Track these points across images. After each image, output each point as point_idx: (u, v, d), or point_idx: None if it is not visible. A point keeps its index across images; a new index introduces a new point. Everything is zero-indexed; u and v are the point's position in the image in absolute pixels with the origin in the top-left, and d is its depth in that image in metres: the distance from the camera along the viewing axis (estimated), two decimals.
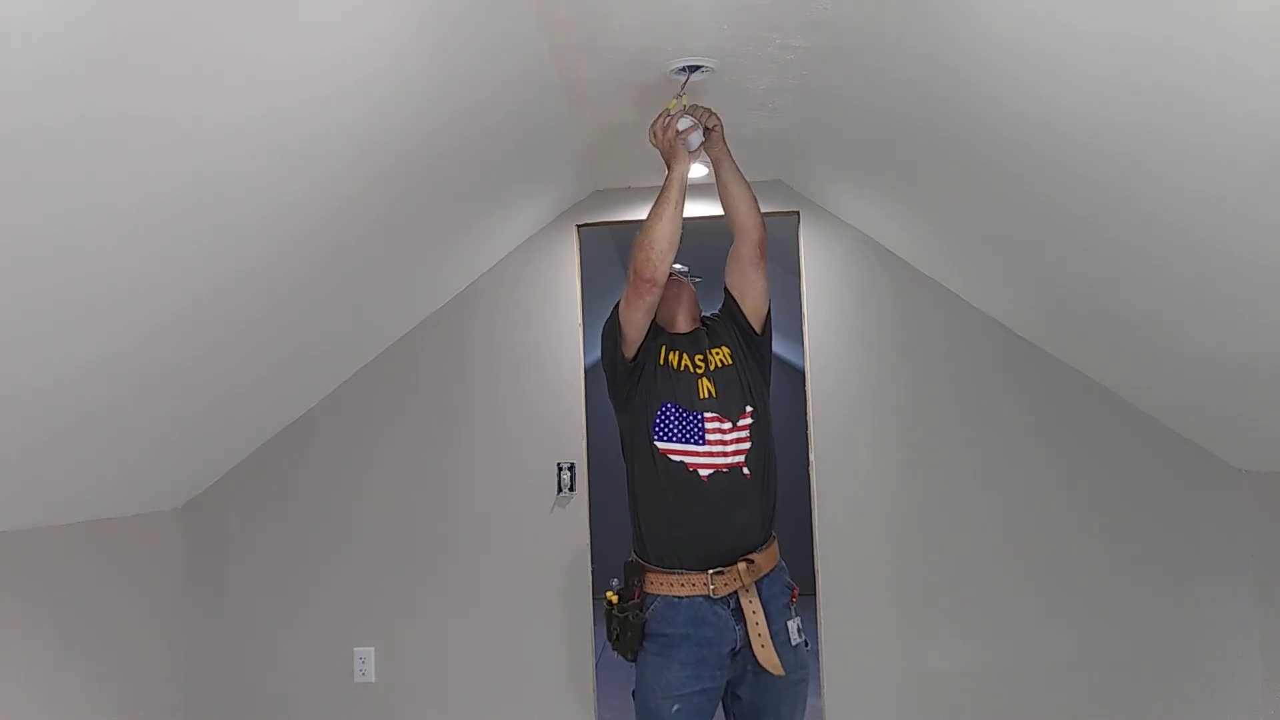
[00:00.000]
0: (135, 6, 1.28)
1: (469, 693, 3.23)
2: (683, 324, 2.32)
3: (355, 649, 3.25)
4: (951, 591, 3.16)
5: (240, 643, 3.27)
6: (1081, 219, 2.21)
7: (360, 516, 3.29)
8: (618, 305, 2.22)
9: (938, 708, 3.14)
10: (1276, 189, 1.65)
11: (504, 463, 3.29)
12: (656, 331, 2.28)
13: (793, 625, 2.13)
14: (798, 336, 3.38)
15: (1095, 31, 1.55)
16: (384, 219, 2.44)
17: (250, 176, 1.84)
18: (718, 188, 2.31)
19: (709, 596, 2.08)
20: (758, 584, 2.11)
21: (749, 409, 2.19)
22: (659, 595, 2.11)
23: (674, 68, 2.25)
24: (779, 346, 3.15)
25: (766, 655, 2.06)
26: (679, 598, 2.09)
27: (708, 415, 2.16)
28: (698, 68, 2.24)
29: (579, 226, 3.35)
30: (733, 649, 2.09)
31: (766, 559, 2.14)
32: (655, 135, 2.26)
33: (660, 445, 2.15)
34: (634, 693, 2.14)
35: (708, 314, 2.40)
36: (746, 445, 2.15)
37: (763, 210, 2.31)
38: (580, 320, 3.32)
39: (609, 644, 2.19)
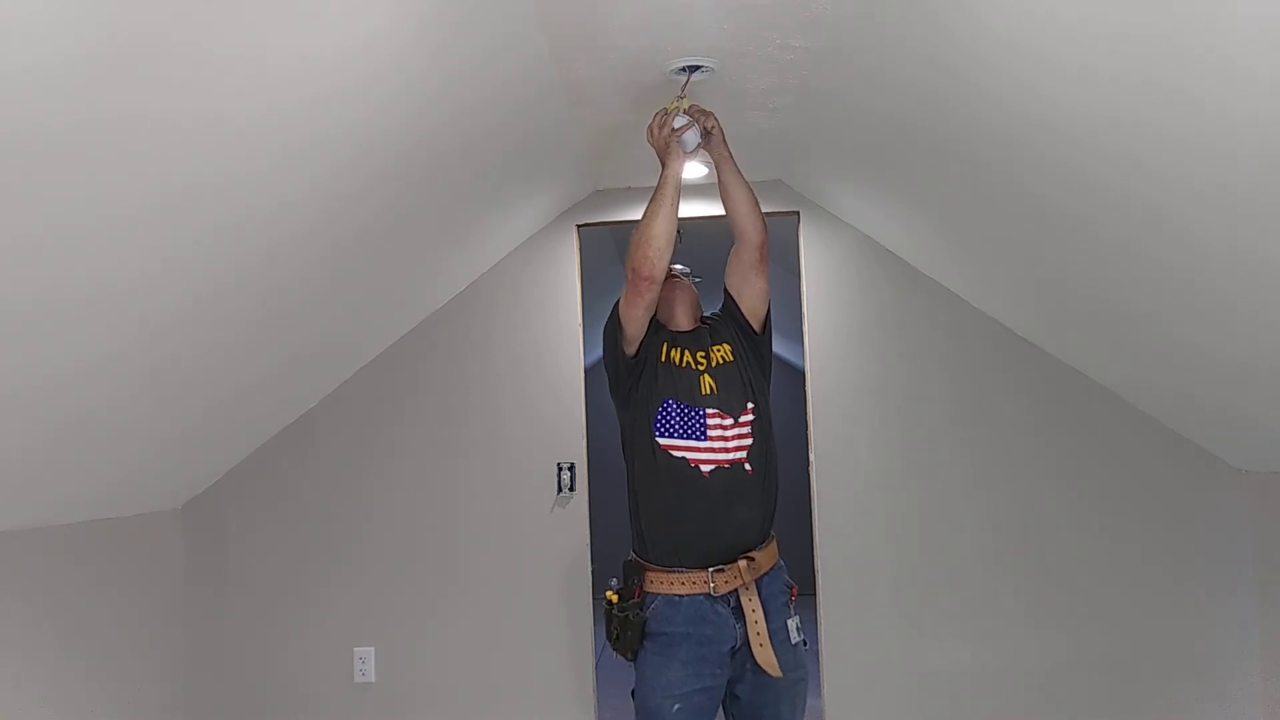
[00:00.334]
0: (135, 6, 1.28)
1: (469, 693, 3.23)
2: (683, 323, 2.33)
3: (355, 649, 3.25)
4: (951, 591, 3.16)
5: (240, 643, 3.27)
6: (1081, 218, 2.21)
7: (360, 516, 3.29)
8: (618, 303, 2.23)
9: (938, 708, 3.14)
10: (1276, 188, 1.65)
11: (504, 463, 3.29)
12: (658, 328, 2.28)
13: (792, 624, 2.13)
14: (798, 336, 3.38)
15: (1095, 31, 1.55)
16: (384, 219, 2.44)
17: (250, 176, 1.84)
18: (719, 190, 2.31)
19: (709, 594, 2.08)
20: (757, 582, 2.11)
21: (750, 405, 2.20)
22: (659, 594, 2.11)
23: (674, 68, 2.25)
24: (779, 346, 3.15)
25: (764, 655, 2.06)
26: (679, 596, 2.09)
27: (709, 411, 2.16)
28: (698, 68, 2.24)
29: (579, 226, 3.35)
30: (732, 647, 2.09)
31: (766, 557, 2.14)
32: (651, 133, 2.27)
33: (662, 441, 2.15)
34: (633, 692, 2.14)
35: (708, 313, 2.40)
36: (748, 441, 2.15)
37: (763, 210, 2.31)
38: (580, 320, 3.32)
39: (609, 644, 2.18)
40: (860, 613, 3.19)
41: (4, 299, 1.65)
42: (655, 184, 2.22)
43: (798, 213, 3.31)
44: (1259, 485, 3.02)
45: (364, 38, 1.69)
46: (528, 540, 3.26)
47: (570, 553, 3.27)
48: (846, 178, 3.01)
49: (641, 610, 2.12)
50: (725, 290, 2.34)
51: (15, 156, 1.38)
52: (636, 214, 2.25)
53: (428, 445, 3.31)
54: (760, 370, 2.29)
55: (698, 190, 3.16)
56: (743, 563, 2.09)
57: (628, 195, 3.31)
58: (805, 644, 2.17)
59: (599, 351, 2.41)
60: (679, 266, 2.48)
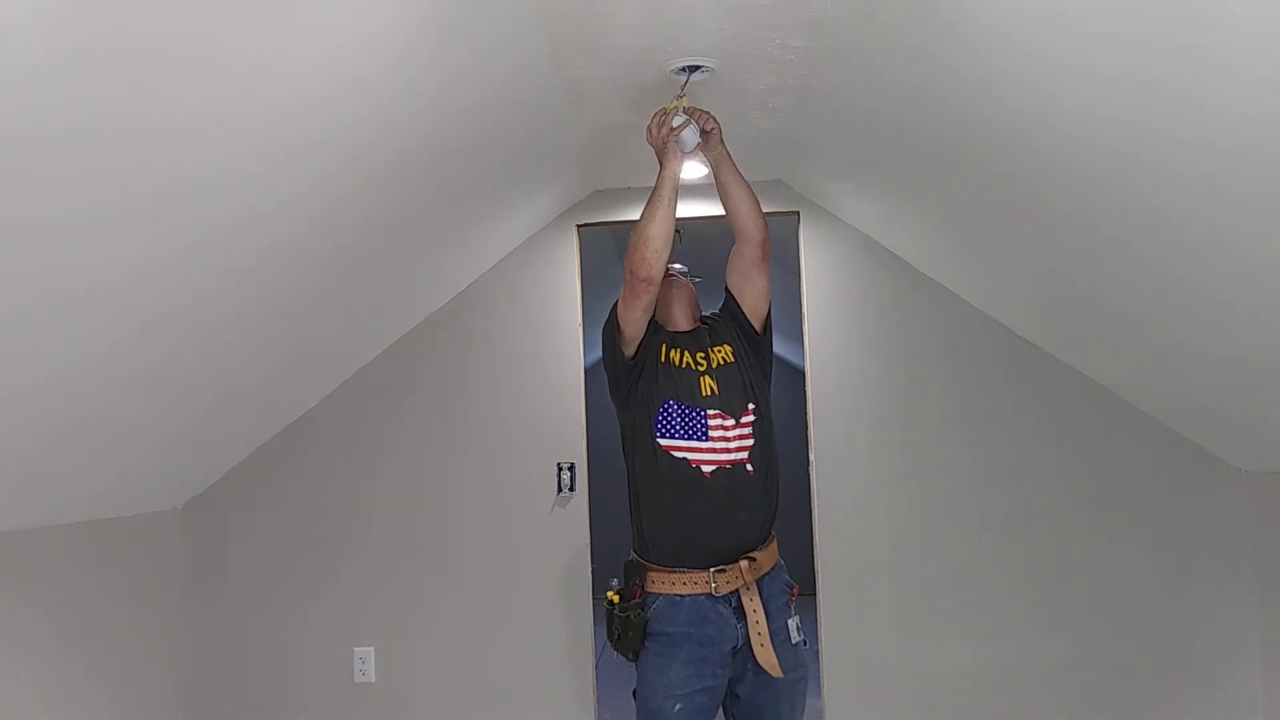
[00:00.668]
0: (135, 6, 1.28)
1: (469, 693, 3.22)
2: (682, 323, 2.33)
3: (355, 649, 3.25)
4: (951, 591, 3.16)
5: (240, 643, 3.27)
6: (1081, 218, 2.21)
7: (360, 516, 3.29)
8: (616, 304, 2.22)
9: (938, 708, 3.14)
10: (1276, 188, 1.65)
11: (504, 463, 3.29)
12: (657, 329, 2.28)
13: (792, 624, 2.13)
14: (798, 336, 3.38)
15: (1095, 30, 1.55)
16: (384, 219, 2.44)
17: (250, 176, 1.84)
18: (718, 190, 2.31)
19: (711, 594, 2.08)
20: (758, 582, 2.11)
21: (751, 406, 2.20)
22: (660, 594, 2.11)
23: (674, 68, 2.25)
24: (779, 346, 3.14)
25: (765, 655, 2.06)
26: (681, 596, 2.09)
27: (710, 412, 2.16)
28: (698, 68, 2.24)
29: (579, 226, 3.35)
30: (733, 647, 2.09)
31: (767, 557, 2.14)
32: (650, 133, 2.27)
33: (663, 442, 2.15)
34: (634, 692, 2.14)
35: (708, 313, 2.40)
36: (750, 442, 2.15)
37: (763, 210, 2.31)
38: (580, 320, 3.32)
39: (610, 644, 2.18)
40: (860, 613, 3.19)
41: (4, 299, 1.65)
42: (654, 184, 2.22)
43: (798, 213, 3.31)
44: (1259, 485, 3.02)
45: (364, 37, 1.69)
46: (528, 540, 3.26)
47: (570, 553, 3.27)
48: (846, 178, 3.01)
49: (643, 610, 2.12)
50: (726, 289, 2.34)
51: (15, 156, 1.38)
52: (636, 214, 2.25)
53: (428, 445, 3.31)
54: (761, 370, 2.29)
55: (698, 190, 3.16)
56: (744, 563, 2.09)
57: (628, 195, 3.30)
58: (805, 643, 2.17)
59: (599, 352, 2.41)
60: (677, 266, 2.48)
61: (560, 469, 3.28)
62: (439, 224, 2.78)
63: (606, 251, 4.13)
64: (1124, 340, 2.76)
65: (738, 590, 2.09)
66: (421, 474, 3.30)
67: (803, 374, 3.32)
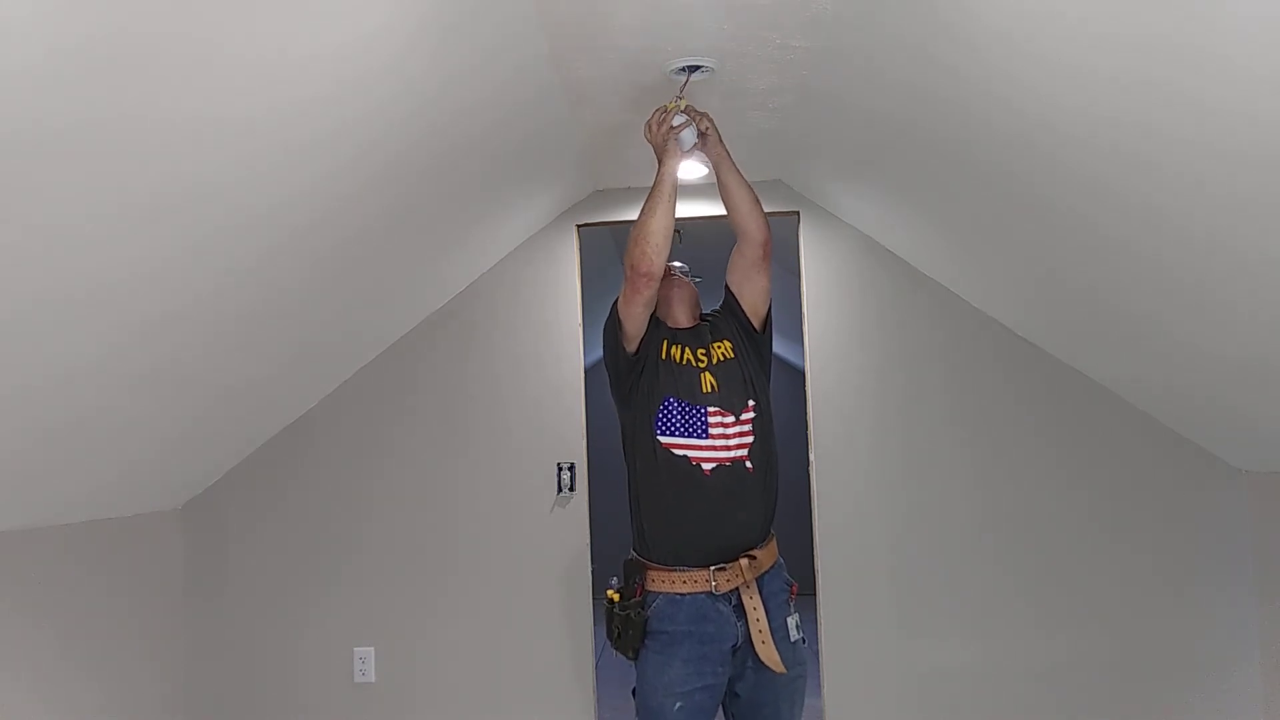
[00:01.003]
0: (135, 6, 1.28)
1: (469, 693, 3.23)
2: (683, 320, 2.33)
3: (355, 649, 3.25)
4: (951, 591, 3.16)
5: (240, 643, 3.27)
6: (1081, 218, 2.21)
7: (360, 516, 3.29)
8: (617, 302, 2.23)
9: (938, 708, 3.14)
10: (1276, 188, 1.65)
11: (504, 463, 3.29)
12: (657, 325, 2.28)
13: (792, 622, 2.13)
14: (798, 336, 3.38)
15: (1095, 30, 1.55)
16: (384, 218, 2.44)
17: (250, 175, 1.84)
18: (720, 191, 2.31)
19: (711, 593, 2.08)
20: (758, 580, 2.11)
21: (751, 402, 2.20)
22: (661, 592, 2.11)
23: (674, 68, 2.25)
24: (779, 346, 3.15)
25: (767, 652, 2.06)
26: (681, 594, 2.09)
27: (710, 409, 2.16)
28: (698, 68, 2.24)
29: (579, 226, 3.35)
30: (733, 645, 2.09)
31: (767, 555, 2.14)
32: (649, 130, 2.27)
33: (663, 440, 2.14)
34: (634, 691, 2.14)
35: (708, 310, 2.40)
36: (749, 439, 2.15)
37: (761, 207, 2.31)
38: (580, 320, 3.32)
39: (609, 643, 2.18)
40: (860, 612, 3.19)
41: (4, 299, 1.65)
42: (653, 181, 2.22)
43: (798, 213, 3.31)
44: (1259, 485, 3.02)
45: (364, 37, 1.69)
46: (528, 540, 3.26)
47: (570, 553, 3.27)
48: (846, 178, 3.01)
49: (643, 609, 2.12)
50: (726, 287, 2.35)
51: (15, 156, 1.38)
52: (636, 214, 2.25)
53: (428, 445, 3.31)
54: (761, 368, 2.29)
55: (698, 190, 3.16)
56: (744, 561, 2.09)
57: (628, 195, 3.30)
58: (805, 641, 2.17)
59: (599, 351, 2.41)
60: (678, 264, 2.48)
61: (560, 469, 3.28)
62: (439, 224, 2.78)
63: (606, 251, 4.13)
64: (1124, 340, 2.76)
65: (737, 588, 2.09)
66: (421, 474, 3.30)
67: (803, 374, 3.32)
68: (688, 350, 2.24)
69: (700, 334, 2.29)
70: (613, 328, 2.25)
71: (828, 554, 3.22)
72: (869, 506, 3.22)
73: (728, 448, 2.13)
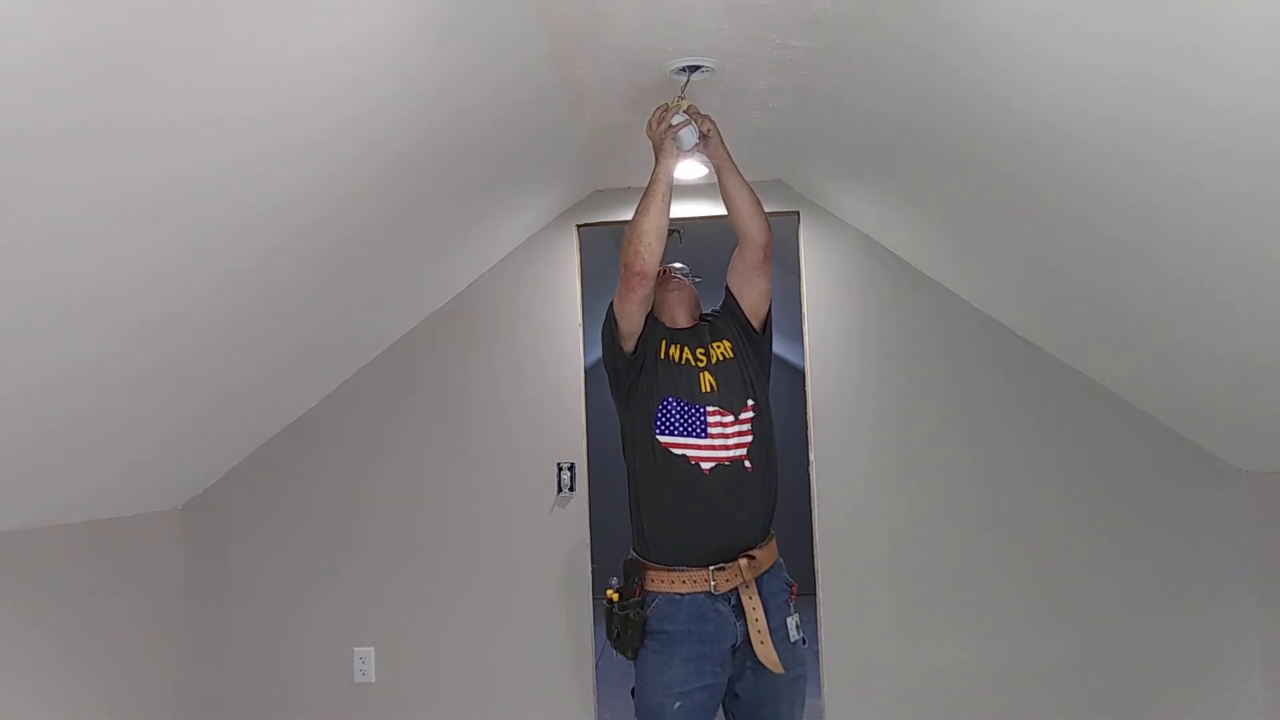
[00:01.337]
0: (135, 6, 1.28)
1: (469, 693, 3.23)
2: (683, 321, 2.33)
3: (355, 649, 3.25)
4: (951, 591, 3.16)
5: (240, 643, 3.27)
6: (1081, 218, 2.21)
7: (360, 516, 3.29)
8: (613, 302, 2.23)
9: (938, 708, 3.14)
10: (1276, 188, 1.65)
11: (504, 463, 3.29)
12: (656, 326, 2.28)
13: (791, 622, 2.13)
14: (798, 336, 3.38)
15: (1095, 30, 1.55)
16: (384, 219, 2.44)
17: (250, 175, 1.84)
18: (721, 193, 2.31)
19: (710, 593, 2.08)
20: (758, 580, 2.11)
21: (750, 402, 2.20)
22: (660, 592, 2.11)
23: (674, 68, 2.25)
24: (779, 346, 3.15)
25: (766, 652, 2.06)
26: (680, 594, 2.09)
27: (710, 409, 2.16)
28: (698, 68, 2.24)
29: (579, 226, 3.35)
30: (733, 645, 2.09)
31: (766, 555, 2.14)
32: (650, 128, 2.27)
33: (662, 439, 2.15)
34: (633, 691, 2.14)
35: (708, 310, 2.40)
36: (748, 439, 2.15)
37: (763, 209, 2.31)
38: (580, 320, 3.32)
39: (609, 643, 2.18)
40: (860, 612, 3.19)
41: (4, 299, 1.65)
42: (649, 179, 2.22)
43: (798, 213, 3.31)
44: (1259, 485, 3.02)
45: (364, 37, 1.69)
46: (528, 540, 3.26)
47: (570, 553, 3.27)
48: (846, 178, 3.01)
49: (642, 609, 2.12)
50: (727, 288, 2.35)
51: (15, 156, 1.38)
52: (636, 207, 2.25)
53: (428, 445, 3.31)
54: (760, 368, 2.29)
55: (698, 190, 3.16)
56: (743, 561, 2.09)
57: (628, 195, 3.30)
58: (805, 642, 2.17)
59: (599, 351, 2.41)
60: (679, 265, 2.48)
61: (560, 469, 3.28)
62: (439, 224, 2.78)
63: (606, 251, 4.12)
64: (1124, 340, 2.76)
65: (737, 588, 2.09)
66: (421, 474, 3.30)
67: (803, 374, 3.32)
68: (686, 350, 2.24)
69: (699, 334, 2.29)
70: (609, 328, 2.25)
71: (828, 554, 3.22)
72: (869, 506, 3.22)
73: (726, 447, 2.13)
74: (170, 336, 2.19)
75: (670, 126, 2.23)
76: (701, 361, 2.22)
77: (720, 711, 2.18)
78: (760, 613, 2.08)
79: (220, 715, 3.23)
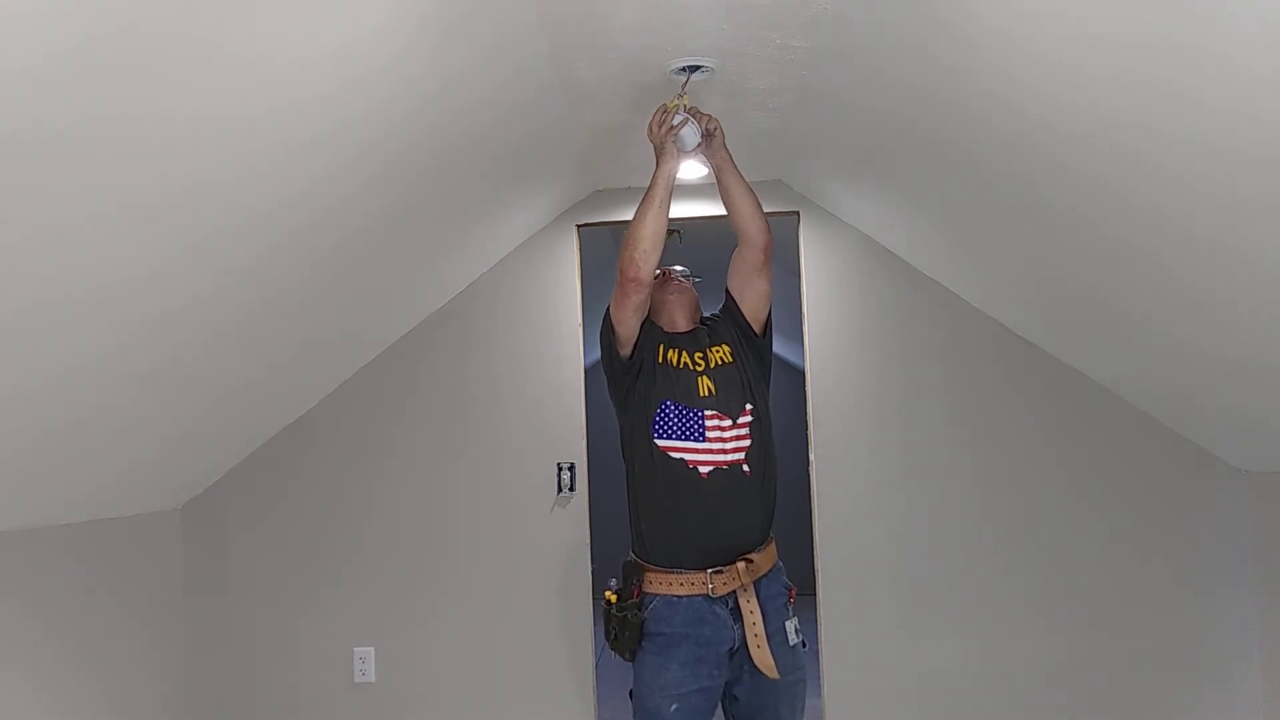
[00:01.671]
0: (135, 6, 1.28)
1: (469, 693, 3.23)
2: (682, 324, 2.33)
3: (355, 649, 3.25)
4: (951, 591, 3.16)
5: (240, 643, 3.27)
6: (1081, 218, 2.21)
7: (360, 516, 3.29)
8: (610, 306, 2.23)
9: (938, 708, 3.14)
10: (1276, 188, 1.65)
11: (504, 463, 3.29)
12: (654, 330, 2.28)
13: (790, 625, 2.13)
14: (798, 336, 3.38)
15: (1095, 30, 1.55)
16: (384, 219, 2.44)
17: (250, 175, 1.84)
18: (721, 194, 2.30)
19: (708, 596, 2.08)
20: (756, 584, 2.11)
21: (749, 406, 2.19)
22: (658, 594, 2.11)
23: (674, 68, 2.25)
24: (779, 346, 3.14)
25: (762, 657, 2.06)
26: (678, 597, 2.10)
27: (708, 412, 2.16)
28: (698, 68, 2.24)
29: (579, 226, 3.35)
30: (730, 649, 2.09)
31: (765, 559, 2.14)
32: (651, 130, 2.27)
33: (660, 443, 2.15)
34: (631, 693, 2.14)
35: (708, 314, 2.40)
36: (747, 443, 2.15)
37: (763, 210, 2.31)
38: (580, 320, 3.32)
39: (608, 644, 2.19)
40: (860, 613, 3.19)
41: (4, 299, 1.65)
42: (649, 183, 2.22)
43: (798, 213, 3.30)
44: (1259, 485, 3.02)
45: (364, 37, 1.69)
46: (528, 540, 3.26)
47: (570, 553, 3.27)
48: (846, 178, 3.01)
49: (640, 610, 2.12)
50: (727, 291, 2.34)
51: (15, 156, 1.38)
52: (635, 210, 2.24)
53: (428, 445, 3.31)
54: (760, 372, 2.29)
55: (698, 190, 3.16)
56: (741, 564, 2.09)
57: (628, 195, 3.30)
58: (805, 645, 2.17)
59: (599, 352, 2.41)
60: (679, 268, 2.48)
61: (560, 469, 3.28)
62: (439, 224, 2.78)
63: (606, 251, 4.12)
64: (1124, 340, 2.76)
65: (735, 592, 2.09)
66: (421, 474, 3.30)
67: (803, 374, 3.32)
68: (685, 354, 2.24)
69: (698, 338, 2.29)
70: (606, 333, 2.25)
71: (828, 554, 3.22)
72: (869, 506, 3.22)
73: (724, 451, 2.13)
74: (170, 336, 2.19)
75: (671, 128, 2.23)
76: (700, 366, 2.22)
77: (722, 713, 2.18)
78: (758, 617, 2.08)
79: (220, 715, 3.23)
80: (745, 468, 2.14)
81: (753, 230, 2.26)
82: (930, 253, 3.14)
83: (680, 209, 3.26)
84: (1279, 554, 2.94)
